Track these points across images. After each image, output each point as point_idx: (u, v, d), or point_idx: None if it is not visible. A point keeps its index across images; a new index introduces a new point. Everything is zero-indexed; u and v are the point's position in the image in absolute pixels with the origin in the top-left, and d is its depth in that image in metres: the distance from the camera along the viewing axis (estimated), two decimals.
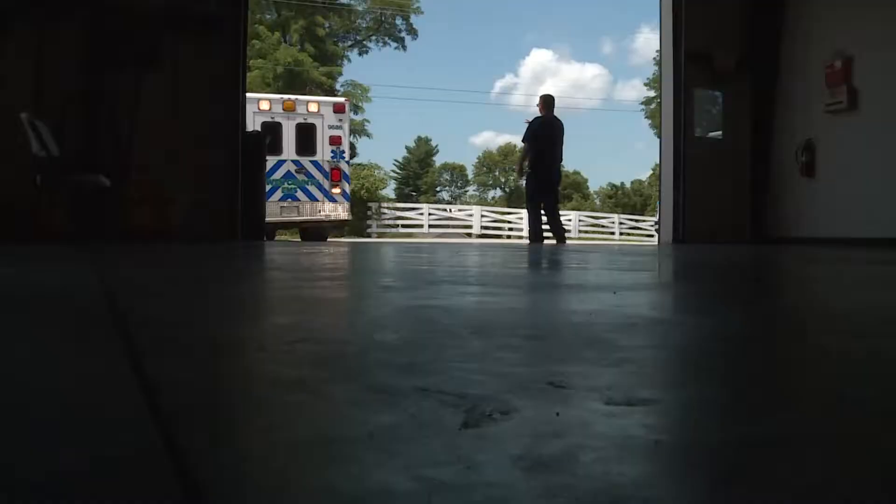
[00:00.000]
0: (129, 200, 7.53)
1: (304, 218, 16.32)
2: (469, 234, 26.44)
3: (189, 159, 7.86)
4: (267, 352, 1.36)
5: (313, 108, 16.45)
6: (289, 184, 16.07)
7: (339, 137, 16.54)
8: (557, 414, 0.90)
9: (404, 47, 45.76)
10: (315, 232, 17.14)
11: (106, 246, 6.13)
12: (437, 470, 0.69)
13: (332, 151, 16.44)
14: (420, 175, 59.90)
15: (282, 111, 16.07)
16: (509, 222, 28.19)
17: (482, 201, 58.41)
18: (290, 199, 16.02)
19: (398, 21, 44.99)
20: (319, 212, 16.38)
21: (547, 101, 10.69)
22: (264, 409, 0.97)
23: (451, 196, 62.64)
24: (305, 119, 16.25)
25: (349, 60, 44.99)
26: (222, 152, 8.16)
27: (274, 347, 1.40)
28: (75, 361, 1.26)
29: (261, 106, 15.80)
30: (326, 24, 43.00)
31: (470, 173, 64.38)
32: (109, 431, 0.83)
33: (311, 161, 16.21)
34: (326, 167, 16.39)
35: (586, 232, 28.76)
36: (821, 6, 9.70)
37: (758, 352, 1.49)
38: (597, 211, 44.13)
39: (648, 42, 73.38)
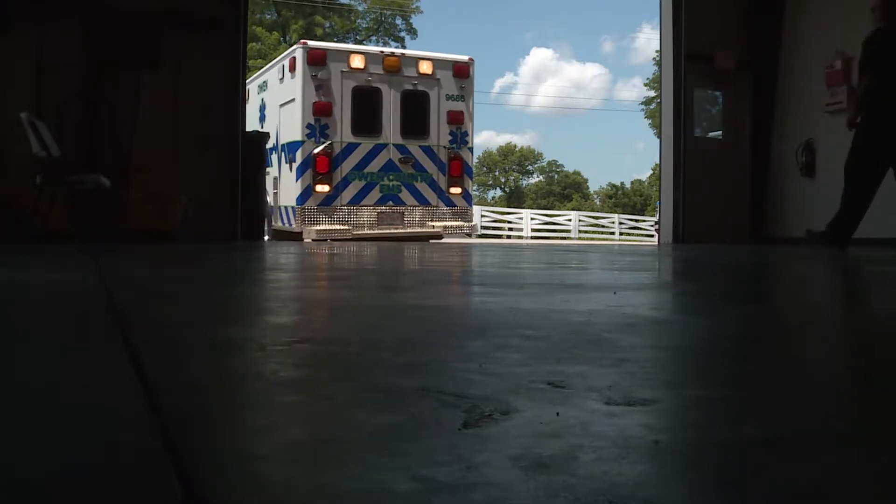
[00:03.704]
0: (129, 200, 7.53)
1: (413, 230, 11.39)
2: (469, 234, 26.40)
3: (189, 159, 7.86)
4: (267, 352, 1.36)
5: (426, 68, 11.39)
6: (390, 179, 11.14)
7: (461, 113, 11.56)
8: (557, 414, 0.90)
9: (405, 47, 45.82)
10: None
11: (106, 246, 6.13)
12: (438, 470, 0.69)
13: (452, 133, 11.49)
14: None
15: (382, 72, 11.17)
16: (509, 222, 28.18)
17: (482, 201, 58.38)
18: (391, 202, 11.17)
19: (398, 21, 45.01)
20: (432, 220, 11.50)
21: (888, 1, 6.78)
22: (264, 409, 0.97)
23: None
24: (415, 85, 11.34)
25: None
26: (222, 152, 8.15)
27: (274, 347, 1.40)
28: (75, 361, 1.26)
29: (352, 63, 11.01)
30: (327, 24, 43.00)
31: None
32: (109, 431, 0.83)
33: (421, 147, 11.34)
34: (443, 156, 11.48)
35: (586, 232, 28.77)
36: (821, 6, 9.70)
37: (757, 352, 1.49)
38: (597, 211, 44.11)
39: (649, 41, 73.40)
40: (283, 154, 11.57)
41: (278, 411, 0.95)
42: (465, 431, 0.82)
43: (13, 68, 7.25)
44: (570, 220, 28.52)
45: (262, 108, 12.84)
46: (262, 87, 12.90)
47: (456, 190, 11.60)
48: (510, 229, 27.69)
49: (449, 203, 11.58)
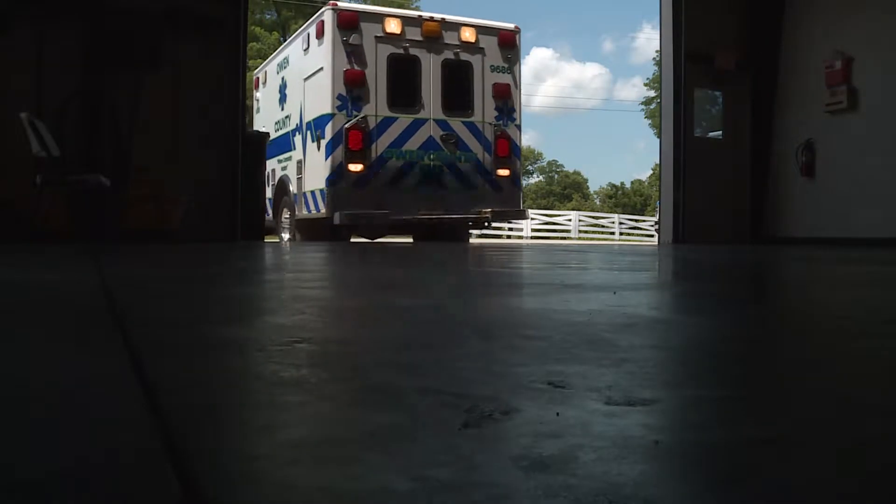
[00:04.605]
0: (129, 200, 7.53)
1: (456, 216, 10.08)
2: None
3: (189, 159, 7.87)
4: (267, 352, 1.36)
5: (468, 35, 10.19)
6: (431, 158, 9.91)
7: (508, 87, 10.39)
8: (557, 414, 0.90)
9: None
10: (448, 231, 10.71)
11: (106, 246, 6.13)
12: (438, 470, 0.69)
13: (498, 109, 10.31)
14: None
15: (420, 38, 9.94)
16: (509, 222, 28.15)
17: None
18: (432, 185, 9.88)
19: None
20: (477, 205, 10.10)
21: None
22: (264, 409, 0.97)
23: None
24: (457, 54, 10.14)
25: None
26: (222, 152, 8.16)
27: (274, 347, 1.40)
28: (75, 361, 1.26)
29: (388, 27, 9.81)
30: None
31: None
32: (110, 432, 0.83)
33: (464, 123, 10.11)
34: (489, 134, 10.25)
35: (586, 232, 28.77)
36: (821, 6, 9.70)
37: (757, 352, 1.49)
38: (597, 211, 44.09)
39: (649, 41, 73.45)
40: (308, 133, 10.38)
41: (278, 411, 0.95)
42: (466, 431, 0.82)
43: (13, 68, 7.26)
44: (570, 220, 28.52)
45: (283, 87, 11.84)
46: (283, 64, 11.94)
47: (503, 172, 10.29)
48: (510, 229, 27.68)
49: (496, 186, 10.26)
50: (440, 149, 9.95)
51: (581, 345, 1.45)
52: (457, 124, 10.10)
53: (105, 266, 3.97)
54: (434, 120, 9.98)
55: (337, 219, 9.36)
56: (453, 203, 9.95)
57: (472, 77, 10.24)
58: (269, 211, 11.89)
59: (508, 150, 10.36)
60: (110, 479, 0.68)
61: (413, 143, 9.83)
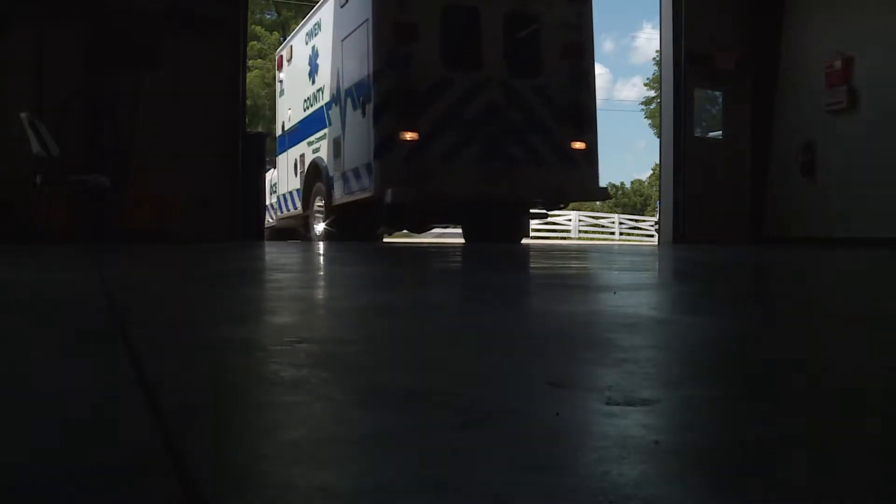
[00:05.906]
0: (129, 200, 7.53)
1: (525, 195, 8.70)
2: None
3: (189, 159, 7.86)
4: (267, 352, 1.36)
5: None
6: (495, 128, 8.25)
7: (580, 47, 8.79)
8: (557, 414, 0.90)
9: None
10: (503, 222, 9.42)
11: (106, 246, 6.13)
12: (437, 470, 0.69)
13: (569, 70, 8.67)
14: None
15: None
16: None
17: None
18: (497, 159, 8.19)
19: None
20: (548, 182, 8.47)
21: None
22: (264, 409, 0.97)
23: None
24: (521, 6, 8.63)
25: None
26: (222, 152, 8.16)
27: (274, 347, 1.40)
28: (75, 361, 1.26)
29: None
30: None
31: None
32: (110, 432, 0.83)
33: (531, 86, 8.48)
34: (561, 101, 8.56)
35: (586, 232, 28.75)
36: (821, 6, 9.70)
37: (757, 352, 1.49)
38: (597, 211, 44.04)
39: (649, 41, 73.50)
40: (348, 101, 8.97)
41: (278, 411, 0.95)
42: (465, 431, 0.82)
43: (13, 68, 7.26)
44: (570, 220, 28.50)
45: (314, 57, 10.49)
46: (313, 31, 10.59)
47: (578, 145, 8.61)
48: None
49: (569, 161, 8.56)
50: (506, 117, 8.31)
51: (581, 345, 1.45)
52: (523, 87, 8.44)
53: (105, 266, 3.97)
54: (498, 83, 8.35)
55: (389, 196, 7.87)
56: (521, 180, 8.33)
57: (540, 33, 8.64)
58: (298, 204, 10.84)
59: (584, 121, 8.74)
60: (110, 479, 0.68)
61: (473, 110, 8.20)
